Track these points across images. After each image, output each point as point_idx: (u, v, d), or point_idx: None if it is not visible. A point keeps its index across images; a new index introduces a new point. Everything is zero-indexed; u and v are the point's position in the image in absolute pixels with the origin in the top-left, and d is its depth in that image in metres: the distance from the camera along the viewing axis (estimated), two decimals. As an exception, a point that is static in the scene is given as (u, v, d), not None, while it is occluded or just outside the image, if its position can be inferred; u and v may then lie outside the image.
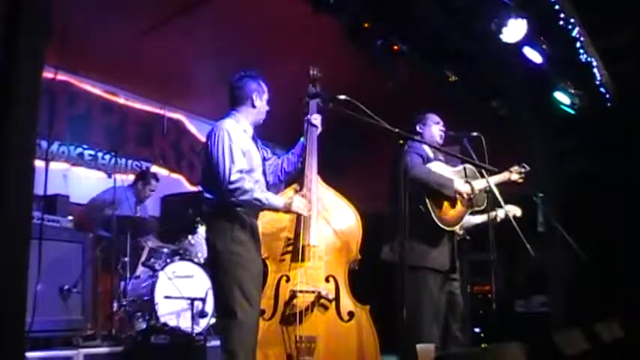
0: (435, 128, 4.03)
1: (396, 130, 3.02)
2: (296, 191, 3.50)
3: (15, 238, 1.78)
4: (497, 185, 3.87)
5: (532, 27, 4.58)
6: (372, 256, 3.72)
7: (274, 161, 3.58)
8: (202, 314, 4.61)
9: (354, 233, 3.51)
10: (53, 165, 5.56)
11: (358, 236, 3.51)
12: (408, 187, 2.99)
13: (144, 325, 4.53)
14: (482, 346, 5.35)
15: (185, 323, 4.51)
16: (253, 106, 3.33)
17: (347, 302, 3.37)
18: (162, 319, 4.47)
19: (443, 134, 4.06)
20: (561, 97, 5.70)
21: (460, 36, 4.79)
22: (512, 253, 4.57)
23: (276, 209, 3.25)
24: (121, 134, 6.31)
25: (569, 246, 4.36)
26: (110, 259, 4.69)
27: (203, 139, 6.26)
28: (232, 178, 3.05)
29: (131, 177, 5.93)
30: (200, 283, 4.75)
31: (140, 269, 4.94)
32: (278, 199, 3.23)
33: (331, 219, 3.51)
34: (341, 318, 3.34)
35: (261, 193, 3.13)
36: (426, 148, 3.88)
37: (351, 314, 3.34)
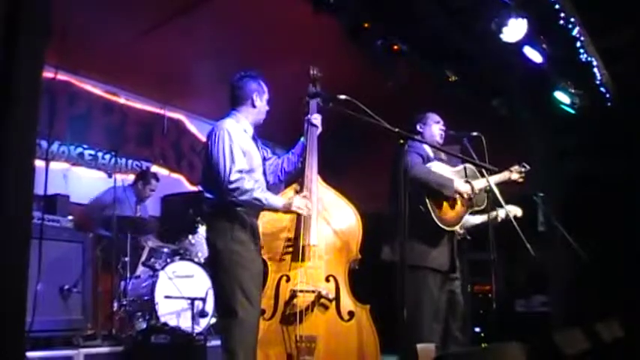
0: (435, 128, 4.03)
1: (396, 129, 3.02)
2: (296, 191, 3.50)
3: (15, 237, 1.78)
4: (498, 185, 3.87)
5: (532, 26, 4.58)
6: (372, 255, 3.72)
7: (274, 161, 3.58)
8: (203, 314, 4.61)
9: (354, 233, 3.51)
10: (53, 165, 5.56)
11: (358, 236, 3.51)
12: (408, 187, 2.99)
13: (144, 325, 4.53)
14: (483, 345, 5.35)
15: (185, 323, 4.51)
16: (253, 106, 3.34)
17: (347, 302, 3.37)
18: (163, 319, 4.47)
19: (443, 134, 4.06)
20: (561, 96, 5.70)
21: (460, 36, 4.79)
22: (512, 252, 4.57)
23: (275, 209, 3.25)
24: (121, 134, 6.31)
25: (570, 246, 4.36)
26: (110, 258, 4.69)
27: (203, 138, 6.29)
28: (232, 177, 3.05)
29: (131, 177, 5.93)
30: (200, 283, 4.75)
31: (140, 269, 4.94)
32: (278, 199, 3.23)
33: (331, 219, 3.51)
34: (341, 318, 3.34)
35: (261, 193, 3.13)
36: (427, 147, 3.88)
37: (351, 314, 3.34)
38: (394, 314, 2.81)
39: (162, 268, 4.64)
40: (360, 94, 3.15)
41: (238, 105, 3.34)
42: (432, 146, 3.88)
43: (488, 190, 3.81)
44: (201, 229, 5.16)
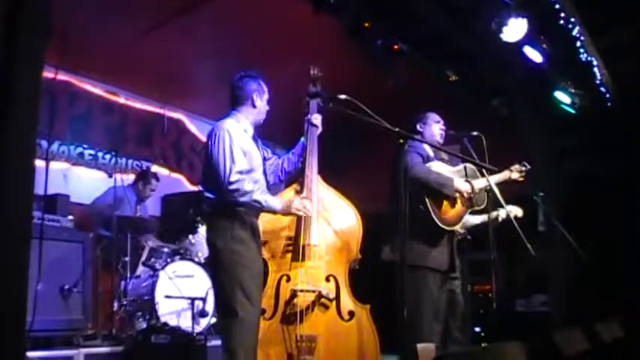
0: (435, 127, 4.03)
1: (396, 129, 3.03)
2: (296, 191, 3.51)
3: (15, 237, 1.78)
4: (498, 184, 3.87)
5: (532, 26, 4.58)
6: (373, 255, 3.72)
7: (275, 161, 3.59)
8: (203, 314, 4.61)
9: (354, 233, 3.52)
10: (53, 165, 5.56)
11: (358, 236, 3.52)
12: (408, 186, 2.99)
13: (144, 325, 4.53)
14: (483, 345, 5.35)
15: (185, 323, 4.51)
16: (254, 106, 3.34)
17: (347, 302, 3.37)
18: (163, 319, 4.47)
19: (443, 133, 4.06)
20: (562, 96, 5.70)
21: (460, 35, 4.79)
22: (512, 252, 4.57)
23: (274, 212, 3.25)
24: (121, 134, 6.32)
25: (570, 245, 4.36)
26: (111, 258, 4.69)
27: (203, 138, 6.29)
28: (232, 178, 3.06)
29: (131, 177, 5.93)
30: (200, 283, 4.75)
31: (140, 269, 4.94)
32: (277, 202, 3.23)
33: (331, 219, 3.51)
34: (341, 317, 3.34)
35: (261, 195, 3.13)
36: (427, 147, 3.88)
37: (351, 314, 3.35)
38: (394, 314, 2.81)
39: (163, 268, 4.64)
40: (360, 94, 3.15)
41: (238, 105, 3.34)
42: (432, 146, 3.88)
43: (489, 190, 3.81)
44: (202, 229, 5.16)
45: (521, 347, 2.09)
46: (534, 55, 4.94)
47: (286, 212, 3.27)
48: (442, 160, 3.98)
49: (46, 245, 3.05)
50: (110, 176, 5.11)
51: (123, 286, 4.67)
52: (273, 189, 3.49)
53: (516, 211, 4.28)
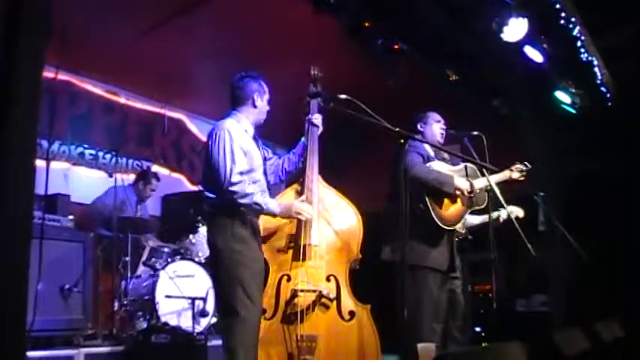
0: (436, 127, 4.04)
1: (397, 129, 3.03)
2: (297, 192, 3.51)
3: (16, 237, 1.78)
4: (498, 184, 3.87)
5: (533, 26, 4.58)
6: (373, 255, 3.72)
7: (275, 161, 3.59)
8: (203, 314, 4.61)
9: (354, 233, 3.51)
10: (54, 164, 5.56)
11: (359, 236, 3.51)
12: (408, 186, 2.99)
13: (145, 325, 4.53)
14: (483, 345, 5.35)
15: (186, 323, 4.51)
16: (254, 106, 3.34)
17: (348, 302, 3.37)
18: (163, 319, 4.47)
19: (444, 133, 4.06)
20: (562, 96, 5.70)
21: (460, 35, 4.79)
22: (513, 252, 4.57)
23: (274, 215, 3.25)
24: (121, 134, 6.32)
25: (570, 245, 4.36)
26: (111, 258, 4.69)
27: (204, 138, 6.29)
28: (233, 179, 3.06)
29: (132, 176, 5.93)
30: (201, 283, 4.75)
31: (141, 269, 4.94)
32: (277, 205, 3.23)
33: (332, 218, 3.51)
34: (342, 317, 3.34)
35: (261, 198, 3.14)
36: (427, 147, 3.88)
37: (352, 314, 3.34)
38: (394, 314, 2.81)
39: (163, 268, 4.64)
40: (361, 93, 3.15)
41: (239, 105, 3.34)
42: (432, 145, 3.88)
43: (489, 190, 3.81)
44: (202, 229, 5.17)
45: (521, 347, 2.09)
46: (535, 54, 4.94)
47: (286, 216, 3.28)
48: (443, 159, 3.98)
49: (46, 245, 3.05)
50: (110, 176, 5.11)
51: (123, 286, 4.67)
52: (273, 189, 3.49)
53: (517, 211, 4.28)
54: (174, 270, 4.69)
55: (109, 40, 5.16)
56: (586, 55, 5.10)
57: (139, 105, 6.56)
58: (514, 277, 6.24)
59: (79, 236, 4.35)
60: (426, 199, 3.65)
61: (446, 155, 3.99)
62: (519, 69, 5.24)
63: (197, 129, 7.15)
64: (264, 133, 3.61)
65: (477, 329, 5.91)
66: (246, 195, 3.07)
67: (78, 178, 5.85)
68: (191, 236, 5.24)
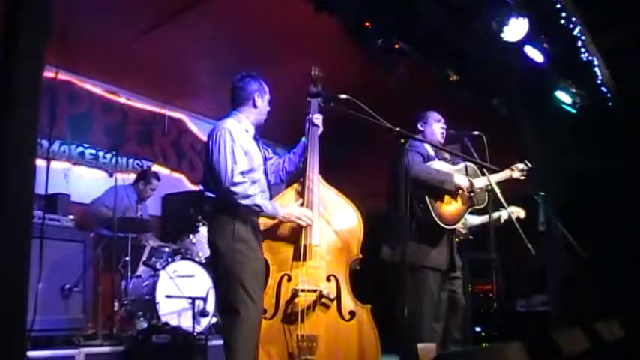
0: (436, 126, 4.04)
1: (397, 129, 3.03)
2: (297, 192, 3.50)
3: (16, 237, 1.78)
4: (499, 183, 3.87)
5: (533, 26, 4.57)
6: (373, 255, 3.72)
7: (275, 161, 3.59)
8: (203, 313, 4.61)
9: (355, 233, 3.51)
10: (54, 164, 5.56)
11: (359, 236, 3.51)
12: (408, 186, 2.99)
13: (145, 325, 4.53)
14: (483, 345, 5.35)
15: (186, 322, 4.51)
16: (255, 106, 3.35)
17: (348, 301, 3.37)
18: (164, 319, 4.47)
19: (444, 132, 4.06)
20: (562, 96, 5.70)
21: (461, 35, 4.79)
22: (513, 252, 4.57)
23: (273, 218, 3.25)
24: (121, 133, 6.32)
25: (570, 245, 4.36)
26: (111, 258, 4.69)
27: (204, 138, 6.30)
28: (235, 179, 3.06)
29: (132, 176, 5.93)
30: (201, 282, 4.75)
31: (141, 268, 4.94)
32: (277, 209, 3.24)
33: (332, 218, 3.51)
34: (342, 317, 3.34)
35: (262, 200, 3.14)
36: (427, 146, 3.88)
37: (352, 313, 3.34)
38: (394, 314, 2.81)
39: (163, 268, 4.64)
40: (361, 93, 3.15)
41: (239, 105, 3.35)
42: (432, 145, 3.88)
43: (489, 189, 3.81)
44: (203, 229, 5.17)
45: (521, 347, 2.09)
46: (535, 54, 4.94)
47: (285, 220, 3.29)
48: (444, 159, 3.98)
49: (46, 245, 3.06)
50: (111, 176, 5.11)
51: (123, 286, 4.68)
52: (273, 189, 3.49)
53: (518, 212, 4.29)
54: (174, 270, 4.69)
55: (109, 40, 5.16)
56: (586, 54, 5.10)
57: (139, 105, 6.56)
58: (514, 277, 6.25)
59: (79, 236, 4.35)
60: (426, 198, 3.65)
61: (447, 155, 3.99)
62: (519, 69, 5.24)
63: (197, 129, 7.15)
64: (265, 133, 3.61)
65: (477, 329, 5.91)
66: (247, 196, 3.08)
67: (78, 178, 5.85)
68: (191, 236, 5.24)
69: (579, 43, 4.95)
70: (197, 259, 4.98)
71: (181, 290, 4.58)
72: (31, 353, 3.35)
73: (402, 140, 3.02)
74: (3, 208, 1.72)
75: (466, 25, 4.64)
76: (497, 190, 3.79)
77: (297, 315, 3.26)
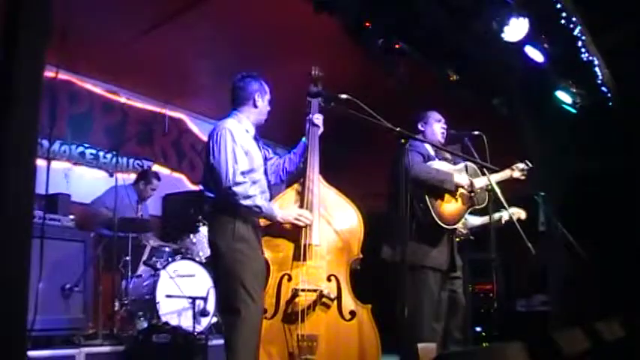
0: (436, 126, 4.04)
1: (397, 128, 3.03)
2: (298, 192, 3.50)
3: (16, 237, 1.78)
4: (499, 183, 3.87)
5: (533, 26, 4.57)
6: (374, 255, 3.72)
7: (276, 161, 3.59)
8: (204, 313, 4.61)
9: (355, 233, 3.51)
10: (54, 164, 5.56)
11: (360, 236, 3.51)
12: (408, 186, 2.99)
13: (145, 324, 4.53)
14: (484, 345, 5.35)
15: (186, 322, 4.51)
16: (255, 106, 3.35)
17: (349, 301, 3.37)
18: (164, 318, 4.47)
19: (444, 132, 4.06)
20: (563, 95, 5.70)
21: (461, 35, 4.79)
22: (513, 252, 4.57)
23: (272, 218, 3.26)
24: (122, 133, 6.32)
25: (570, 245, 4.36)
26: (112, 258, 4.69)
27: (204, 138, 6.29)
28: (237, 179, 3.06)
29: (132, 176, 5.93)
30: (201, 282, 4.75)
31: (141, 268, 4.94)
32: (277, 210, 3.25)
33: (333, 218, 3.50)
34: (342, 317, 3.34)
35: (262, 201, 3.14)
36: (428, 146, 3.89)
37: (352, 313, 3.34)
38: (395, 314, 2.81)
39: (164, 268, 4.64)
40: (361, 93, 3.15)
41: (240, 105, 3.35)
42: (432, 145, 3.88)
43: (490, 189, 3.81)
44: (203, 229, 5.17)
45: (521, 347, 2.09)
46: (535, 54, 4.94)
47: (285, 221, 3.29)
48: (445, 159, 3.98)
49: (47, 245, 3.06)
50: (111, 176, 5.11)
51: (124, 286, 4.68)
52: (274, 189, 3.49)
53: (519, 213, 4.29)
54: (174, 269, 4.69)
55: (109, 39, 5.16)
56: (586, 54, 5.10)
57: (139, 104, 6.56)
58: (515, 277, 6.25)
59: (79, 236, 4.35)
60: (426, 198, 3.65)
61: (448, 155, 3.99)
62: (520, 68, 5.24)
63: (198, 128, 7.16)
64: (265, 133, 3.61)
65: (478, 329, 5.92)
66: (248, 197, 3.08)
67: (78, 178, 5.86)
68: (192, 236, 5.25)
69: (579, 43, 4.95)
70: (197, 259, 4.98)
71: (182, 290, 4.58)
72: (31, 353, 3.35)
73: (403, 140, 3.02)
74: (3, 208, 1.72)
75: (466, 25, 4.65)
76: (498, 190, 3.79)
77: (297, 315, 3.26)
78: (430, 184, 3.67)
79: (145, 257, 5.00)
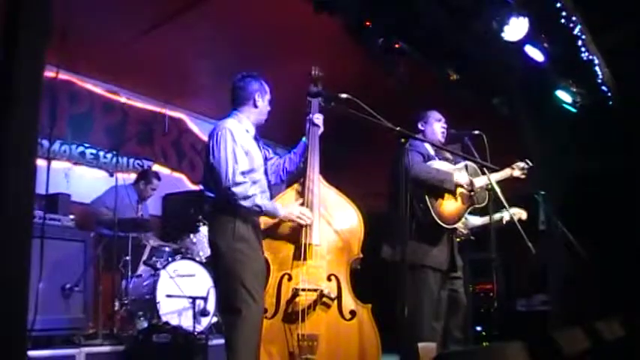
0: (436, 126, 4.04)
1: (397, 128, 3.03)
2: (298, 192, 3.51)
3: (16, 237, 1.78)
4: (499, 182, 3.87)
5: (533, 25, 4.57)
6: (374, 255, 3.72)
7: (276, 161, 3.59)
8: (204, 313, 4.61)
9: (355, 232, 3.52)
10: (55, 164, 5.56)
11: (360, 235, 3.52)
12: (408, 186, 2.99)
13: (145, 324, 4.53)
14: (484, 344, 5.35)
15: (187, 322, 4.51)
16: (255, 106, 3.35)
17: (349, 301, 3.38)
18: (164, 318, 4.47)
19: (445, 132, 4.06)
20: (563, 95, 5.70)
21: (461, 35, 4.79)
22: (513, 251, 4.57)
23: (274, 216, 3.26)
24: (122, 133, 6.32)
25: (571, 244, 4.36)
26: (112, 257, 4.69)
27: (204, 137, 6.30)
28: (237, 179, 3.07)
29: (133, 176, 5.93)
30: (202, 282, 4.75)
31: (142, 268, 4.94)
32: (277, 208, 3.25)
33: (333, 218, 3.51)
34: (343, 316, 3.34)
35: (262, 200, 3.14)
36: (428, 146, 3.88)
37: (352, 313, 3.35)
38: (395, 313, 2.81)
39: (164, 267, 4.64)
40: (362, 93, 3.15)
41: (240, 105, 3.35)
42: (432, 145, 3.88)
43: (490, 189, 3.81)
44: (203, 229, 5.17)
45: (521, 347, 2.09)
46: (535, 54, 4.94)
47: (286, 219, 3.30)
48: (446, 159, 3.98)
49: (47, 244, 3.06)
50: (111, 175, 5.11)
51: (124, 286, 4.68)
52: (274, 189, 3.50)
53: (520, 214, 4.28)
54: (174, 269, 4.69)
55: (109, 40, 5.16)
56: (587, 54, 5.10)
57: (139, 104, 6.56)
58: (515, 277, 6.25)
59: (79, 236, 4.35)
60: (426, 198, 3.65)
61: (449, 155, 3.99)
62: (520, 68, 5.24)
63: (198, 128, 7.16)
64: (265, 133, 3.61)
65: (478, 328, 5.92)
66: (247, 197, 3.08)
67: (79, 178, 5.86)
68: (192, 235, 5.24)
69: (580, 43, 4.95)
70: (197, 259, 4.98)
71: (182, 290, 4.58)
72: (31, 353, 3.36)
73: (403, 140, 3.02)
74: (3, 208, 1.72)
75: (466, 25, 4.65)
76: (498, 189, 3.79)
77: (297, 314, 3.26)
78: (430, 183, 3.67)
79: (145, 257, 5.00)
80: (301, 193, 3.48)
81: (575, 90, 5.69)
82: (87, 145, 6.01)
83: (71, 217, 4.42)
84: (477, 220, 4.32)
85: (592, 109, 5.80)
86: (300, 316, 3.26)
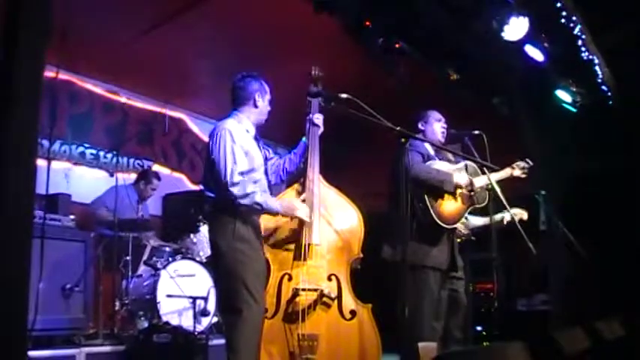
0: (436, 126, 4.03)
1: (397, 128, 3.03)
2: (298, 192, 3.51)
3: (16, 237, 1.78)
4: (499, 182, 3.87)
5: (533, 25, 4.57)
6: (374, 255, 3.72)
7: (276, 161, 3.59)
8: (204, 313, 4.61)
9: (355, 232, 3.52)
10: (55, 164, 5.56)
11: (360, 235, 3.52)
12: (408, 186, 2.99)
13: (146, 324, 4.53)
14: (484, 344, 5.35)
15: (187, 322, 4.51)
16: (255, 106, 3.35)
17: (349, 301, 3.38)
18: (164, 318, 4.47)
19: (445, 131, 4.06)
20: (563, 95, 5.70)
21: (461, 35, 4.79)
22: (514, 251, 4.57)
23: (275, 213, 3.26)
24: (122, 133, 6.32)
25: (571, 244, 4.36)
26: (112, 257, 4.70)
27: (204, 137, 6.30)
28: (235, 179, 3.07)
29: (133, 176, 5.94)
30: (202, 282, 4.75)
31: (142, 268, 4.94)
32: (277, 205, 3.24)
33: (333, 218, 3.51)
34: (343, 316, 3.34)
35: (261, 197, 3.14)
36: (428, 146, 3.88)
37: (353, 313, 3.35)
38: (395, 313, 2.81)
39: (164, 267, 4.64)
40: (362, 93, 3.15)
41: (240, 105, 3.35)
42: (432, 144, 3.88)
43: (490, 189, 3.81)
44: (203, 229, 5.17)
45: (522, 346, 2.09)
46: (535, 53, 4.94)
47: (287, 214, 3.29)
48: (448, 160, 3.98)
49: (47, 245, 3.06)
50: (111, 175, 5.11)
51: (124, 285, 4.68)
52: (274, 189, 3.50)
53: (521, 214, 4.28)
54: (175, 269, 4.69)
55: (109, 40, 5.16)
56: (587, 53, 5.10)
57: (139, 104, 6.56)
58: (515, 277, 6.24)
59: (80, 236, 4.35)
60: (426, 198, 3.65)
61: (450, 155, 3.99)
62: (520, 68, 5.24)
63: (198, 128, 7.16)
64: (265, 133, 3.61)
65: (478, 328, 5.91)
66: (246, 195, 3.08)
67: (79, 178, 5.86)
68: (192, 235, 5.25)
69: (580, 42, 4.95)
70: (198, 259, 4.98)
71: (182, 290, 4.58)
72: (31, 353, 3.36)
73: (403, 139, 3.02)
74: (3, 208, 1.73)
75: (466, 25, 4.64)
76: (498, 189, 3.79)
77: (298, 314, 3.26)
78: (430, 184, 3.66)
79: (145, 257, 5.00)
80: (301, 193, 3.48)
81: (575, 90, 5.69)
82: (87, 145, 6.01)
83: (71, 217, 4.42)
84: (477, 221, 4.32)
85: (592, 109, 5.80)
86: (301, 316, 3.26)
